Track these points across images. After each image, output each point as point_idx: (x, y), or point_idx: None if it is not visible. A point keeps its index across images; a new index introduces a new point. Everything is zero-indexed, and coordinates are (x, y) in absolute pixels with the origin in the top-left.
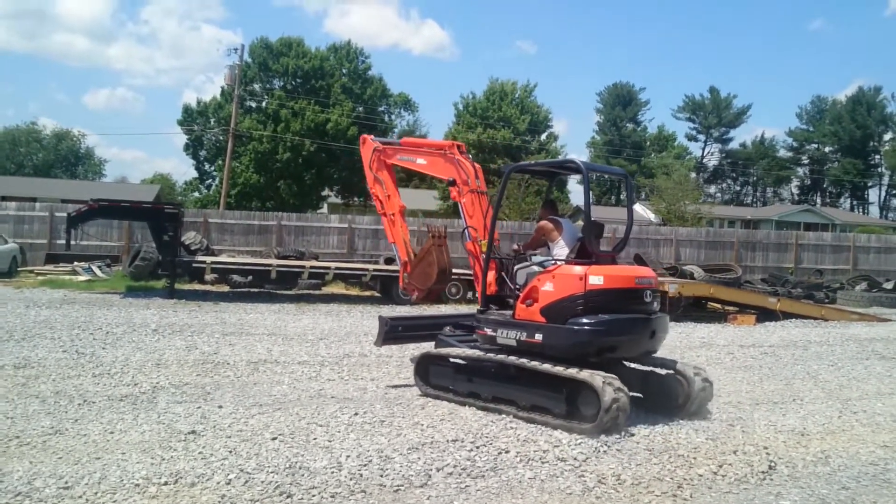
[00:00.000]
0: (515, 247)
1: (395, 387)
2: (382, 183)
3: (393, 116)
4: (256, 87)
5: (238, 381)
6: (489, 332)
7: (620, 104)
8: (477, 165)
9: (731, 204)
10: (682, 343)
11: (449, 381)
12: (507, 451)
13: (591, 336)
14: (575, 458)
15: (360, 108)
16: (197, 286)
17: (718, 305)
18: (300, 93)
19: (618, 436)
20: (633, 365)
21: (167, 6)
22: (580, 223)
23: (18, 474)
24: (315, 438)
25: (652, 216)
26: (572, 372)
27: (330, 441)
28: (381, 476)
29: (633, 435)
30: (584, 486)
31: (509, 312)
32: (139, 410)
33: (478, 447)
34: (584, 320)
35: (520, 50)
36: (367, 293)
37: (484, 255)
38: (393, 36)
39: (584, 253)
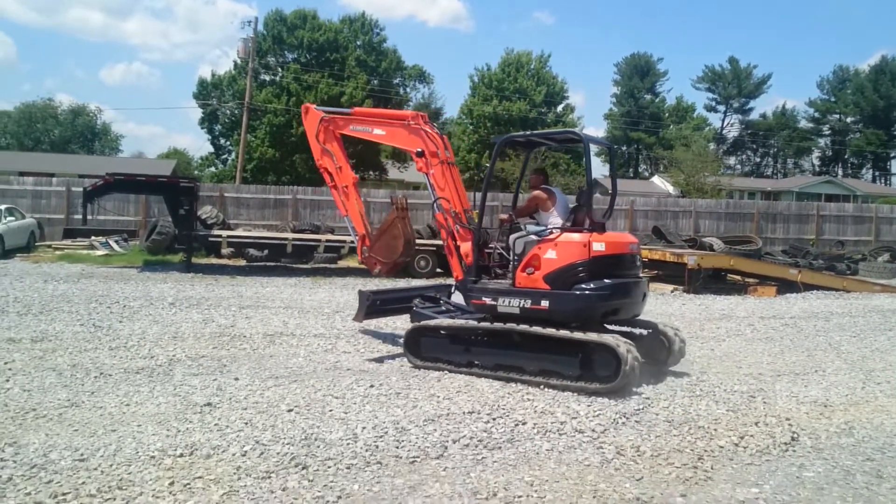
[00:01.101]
0: (504, 216)
1: None
2: (332, 154)
3: (408, 89)
4: (271, 59)
5: (254, 354)
6: (488, 301)
7: (638, 75)
8: (444, 136)
9: (752, 176)
10: (701, 315)
11: (443, 352)
12: (523, 423)
13: (597, 300)
14: (593, 430)
15: (375, 81)
16: (213, 260)
17: (738, 277)
18: (314, 66)
19: (637, 407)
20: (612, 327)
21: None
22: (571, 196)
23: (34, 447)
24: (331, 410)
25: (671, 188)
26: (595, 336)
27: (346, 413)
28: (397, 447)
29: (651, 405)
30: (603, 457)
31: (507, 281)
32: (155, 383)
33: (494, 419)
34: (591, 285)
35: (537, 21)
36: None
37: (468, 227)
38: (408, 8)
39: (576, 222)
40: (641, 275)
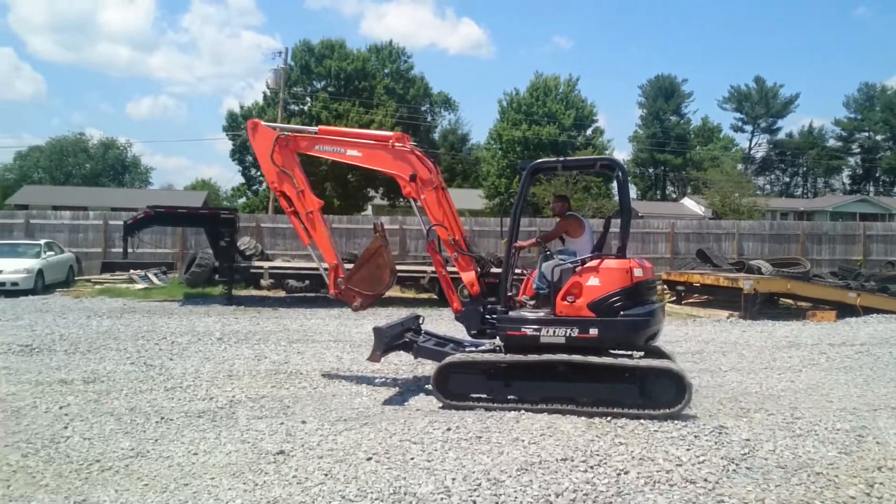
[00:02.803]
0: (524, 243)
1: None
2: (292, 177)
3: (435, 116)
4: (299, 90)
5: (315, 393)
6: (529, 331)
7: (663, 96)
8: (433, 159)
9: (782, 196)
10: (767, 343)
11: (480, 388)
12: (626, 472)
13: (646, 325)
14: (706, 480)
15: (404, 109)
16: (253, 292)
17: (791, 302)
18: (343, 94)
19: (741, 451)
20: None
21: (206, 14)
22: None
23: None
24: (412, 458)
25: (701, 210)
26: (657, 362)
27: (429, 461)
28: (497, 503)
29: (755, 449)
30: None
31: (546, 310)
32: (220, 428)
33: (592, 467)
34: (637, 311)
35: (556, 45)
36: (424, 296)
37: (468, 255)
38: (429, 35)
39: (599, 247)
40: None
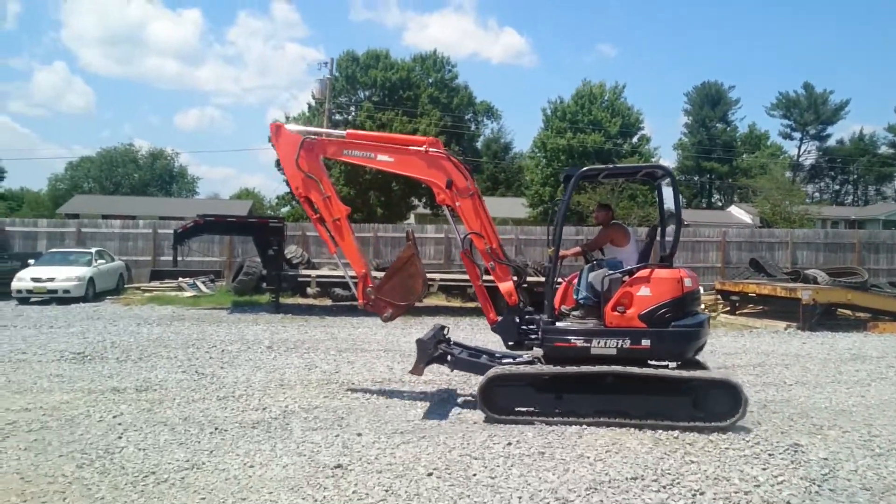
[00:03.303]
0: (568, 252)
1: None
2: (319, 182)
3: (479, 125)
4: (343, 100)
5: (369, 404)
6: (579, 343)
7: (709, 104)
8: (467, 166)
9: (832, 204)
10: (830, 355)
11: (529, 401)
12: (701, 493)
13: (697, 337)
14: (788, 503)
15: (448, 118)
16: (300, 300)
17: (850, 313)
18: (388, 104)
19: (821, 471)
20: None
21: (252, 27)
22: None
23: None
24: (475, 474)
25: (748, 218)
26: (716, 374)
27: (492, 478)
28: None
29: (835, 469)
30: None
31: (593, 321)
32: (275, 439)
33: (664, 487)
34: (688, 322)
35: (600, 54)
36: (470, 304)
37: (506, 264)
38: (472, 45)
39: (645, 256)
40: None
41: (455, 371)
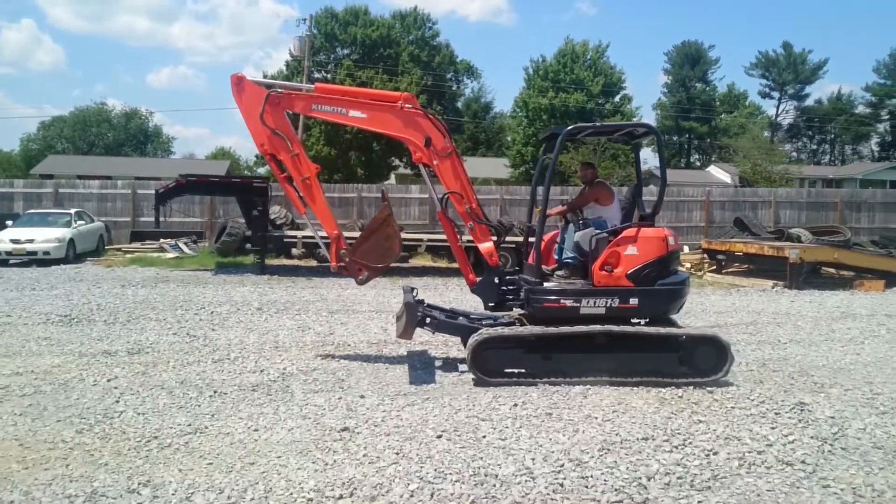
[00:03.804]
0: (555, 210)
1: None
2: (286, 139)
3: (460, 84)
4: (322, 57)
5: (368, 366)
6: (568, 303)
7: (689, 63)
8: (444, 122)
9: (810, 163)
10: (820, 313)
11: (518, 362)
12: (714, 453)
13: (681, 295)
14: (803, 462)
15: (429, 77)
16: (285, 261)
17: (833, 271)
18: (368, 62)
19: (830, 430)
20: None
21: None
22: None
23: (173, 487)
24: (484, 436)
25: (728, 178)
26: (702, 329)
27: (503, 440)
28: (587, 487)
29: (844, 428)
30: (842, 500)
31: (580, 280)
32: (277, 402)
33: (676, 447)
34: (673, 280)
35: (579, 12)
36: (456, 265)
37: (486, 223)
38: (449, 3)
39: (629, 215)
40: None
41: (436, 333)
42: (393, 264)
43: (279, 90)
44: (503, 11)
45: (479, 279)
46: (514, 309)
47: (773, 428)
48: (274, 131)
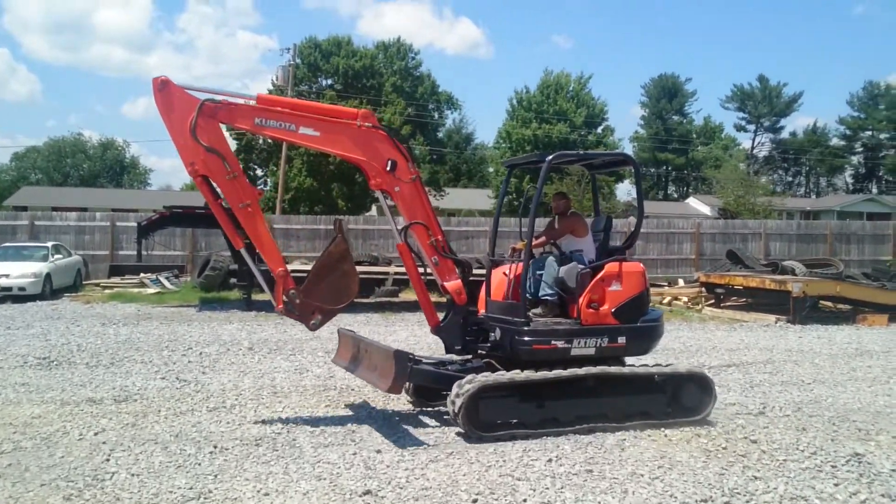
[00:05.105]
0: (519, 245)
1: None
2: (223, 157)
3: (442, 115)
4: (304, 88)
5: (377, 414)
6: (560, 344)
7: (666, 96)
8: (406, 146)
9: (786, 195)
10: (834, 350)
11: (513, 413)
12: None
13: (661, 332)
14: None
15: (412, 107)
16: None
17: (831, 304)
18: (351, 92)
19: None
20: None
21: (203, 14)
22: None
23: None
24: (524, 500)
25: (707, 210)
26: (689, 368)
27: (546, 502)
28: None
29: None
30: None
31: (571, 320)
32: (285, 459)
33: None
34: (653, 316)
35: (555, 45)
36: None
37: (452, 258)
38: (428, 35)
39: (603, 249)
40: None
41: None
42: (382, 299)
43: (216, 98)
44: (481, 45)
45: (443, 321)
46: (482, 352)
47: (836, 485)
48: (209, 148)
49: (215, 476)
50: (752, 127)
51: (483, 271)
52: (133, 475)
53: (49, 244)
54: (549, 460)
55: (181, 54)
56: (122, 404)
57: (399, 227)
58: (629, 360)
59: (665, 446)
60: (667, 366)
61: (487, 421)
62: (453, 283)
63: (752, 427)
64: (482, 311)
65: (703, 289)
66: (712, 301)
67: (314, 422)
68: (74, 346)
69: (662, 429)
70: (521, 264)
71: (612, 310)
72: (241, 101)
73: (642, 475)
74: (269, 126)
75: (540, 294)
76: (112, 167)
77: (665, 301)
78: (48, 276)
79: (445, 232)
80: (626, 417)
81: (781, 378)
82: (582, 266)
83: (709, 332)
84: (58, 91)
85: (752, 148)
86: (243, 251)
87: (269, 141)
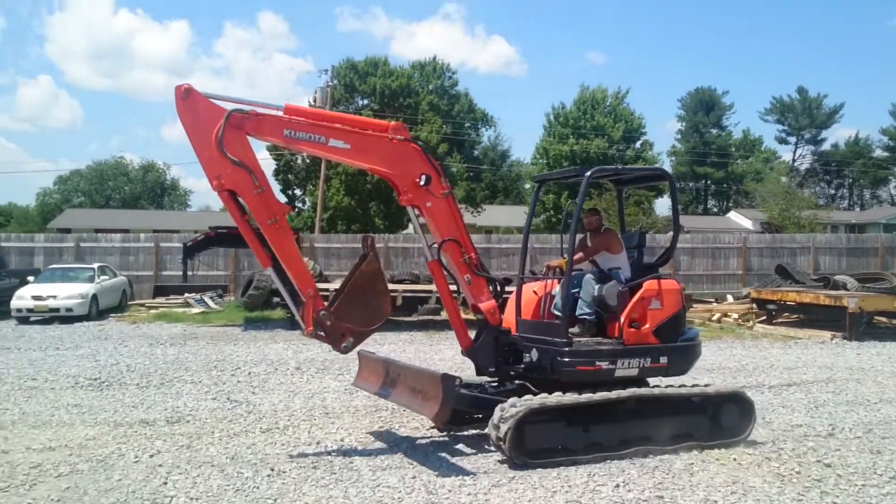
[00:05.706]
0: (555, 262)
1: None
2: (250, 171)
3: (479, 133)
4: (341, 108)
5: (430, 434)
6: (604, 365)
7: (703, 109)
8: (438, 159)
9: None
10: (894, 368)
11: (560, 439)
12: None
13: (699, 351)
14: None
15: (448, 125)
16: None
17: (885, 320)
18: (388, 112)
19: None
20: None
21: (240, 38)
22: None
23: None
24: None
25: (749, 224)
26: (731, 388)
27: None
28: None
29: None
30: None
31: (613, 340)
32: (344, 483)
33: None
34: (690, 335)
35: (589, 61)
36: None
37: (486, 276)
38: (461, 54)
39: (639, 266)
40: None
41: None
42: (426, 317)
43: (243, 109)
44: (514, 63)
45: (475, 341)
46: (517, 373)
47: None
48: (235, 162)
49: (275, 500)
50: (792, 139)
51: (511, 288)
52: (192, 499)
53: (95, 265)
54: (617, 486)
55: (218, 78)
56: (175, 425)
57: (429, 244)
58: (665, 380)
59: (735, 470)
60: (706, 385)
61: (533, 447)
62: (488, 303)
63: (823, 450)
64: (514, 331)
65: (754, 305)
66: (764, 317)
67: (369, 444)
68: (124, 366)
69: (724, 449)
70: (555, 282)
71: (653, 329)
72: (268, 111)
73: (716, 502)
74: (299, 139)
75: (577, 313)
76: (153, 189)
77: (715, 318)
78: (94, 297)
79: (487, 250)
80: (672, 440)
81: (846, 397)
82: (621, 284)
83: (763, 349)
84: (99, 116)
85: (794, 160)
86: (270, 270)
87: (307, 160)
